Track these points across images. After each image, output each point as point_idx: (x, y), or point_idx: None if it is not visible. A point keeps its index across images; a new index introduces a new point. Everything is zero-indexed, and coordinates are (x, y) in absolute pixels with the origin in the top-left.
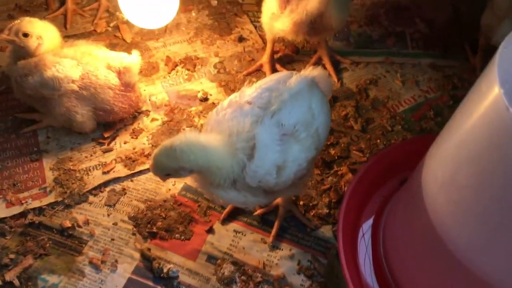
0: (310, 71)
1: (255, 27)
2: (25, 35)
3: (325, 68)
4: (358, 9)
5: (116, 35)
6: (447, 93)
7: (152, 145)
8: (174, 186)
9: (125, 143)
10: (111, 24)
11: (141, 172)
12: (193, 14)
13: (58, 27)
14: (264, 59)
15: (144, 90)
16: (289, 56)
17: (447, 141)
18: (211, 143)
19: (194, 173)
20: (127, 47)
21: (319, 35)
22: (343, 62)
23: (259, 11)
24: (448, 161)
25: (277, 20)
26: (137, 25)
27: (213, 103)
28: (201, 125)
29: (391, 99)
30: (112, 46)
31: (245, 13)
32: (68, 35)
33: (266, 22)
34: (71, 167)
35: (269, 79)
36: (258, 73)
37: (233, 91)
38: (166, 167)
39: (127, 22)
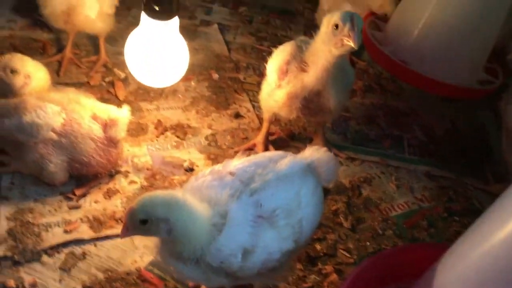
0: (311, 153)
1: (253, 106)
2: (13, 71)
3: None
4: (358, 107)
5: (110, 90)
6: (442, 204)
7: (125, 209)
8: (142, 259)
9: (95, 202)
10: (106, 79)
11: (107, 237)
12: (192, 83)
13: (50, 73)
14: (259, 138)
15: (128, 150)
16: (284, 140)
17: (469, 253)
18: (199, 210)
19: (166, 236)
20: (118, 104)
21: (315, 116)
22: (339, 156)
23: (259, 91)
24: (471, 275)
25: (273, 94)
26: (139, 80)
27: None
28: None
29: (384, 202)
30: (103, 101)
31: (245, 91)
32: (59, 82)
33: (263, 98)
34: (30, 220)
35: (262, 155)
36: (249, 152)
37: None
38: (151, 211)
39: (123, 80)
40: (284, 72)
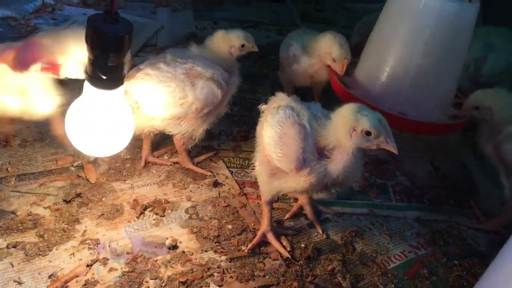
0: None
1: (231, 172)
2: None
3: (307, 218)
4: None
5: (80, 174)
6: (439, 249)
7: None
8: None
9: None
10: (75, 163)
11: None
12: (165, 157)
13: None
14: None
15: (104, 235)
16: None
17: None
18: None
19: None
20: (90, 187)
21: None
22: (326, 213)
23: (235, 156)
24: None
25: (287, 180)
26: (81, 151)
27: (183, 252)
28: (167, 277)
29: (379, 254)
30: (73, 186)
31: (221, 158)
32: (24, 173)
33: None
34: None
35: None
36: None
37: (205, 238)
38: None
39: (93, 162)
40: (302, 162)
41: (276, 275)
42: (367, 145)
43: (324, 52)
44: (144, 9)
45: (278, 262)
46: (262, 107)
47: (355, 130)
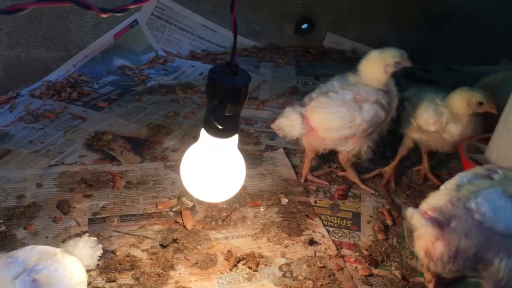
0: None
1: (328, 231)
2: None
3: None
4: None
5: (177, 220)
6: None
7: None
8: None
9: None
10: (174, 209)
11: None
12: (261, 209)
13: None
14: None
15: (196, 284)
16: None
17: None
18: None
19: None
20: (187, 234)
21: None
22: None
23: (332, 215)
24: None
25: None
26: (194, 195)
27: None
28: None
29: None
30: (171, 231)
31: (318, 216)
32: (127, 214)
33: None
34: None
35: None
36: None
37: None
38: None
39: (191, 209)
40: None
41: None
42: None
43: (465, 105)
44: (248, 63)
45: None
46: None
47: None
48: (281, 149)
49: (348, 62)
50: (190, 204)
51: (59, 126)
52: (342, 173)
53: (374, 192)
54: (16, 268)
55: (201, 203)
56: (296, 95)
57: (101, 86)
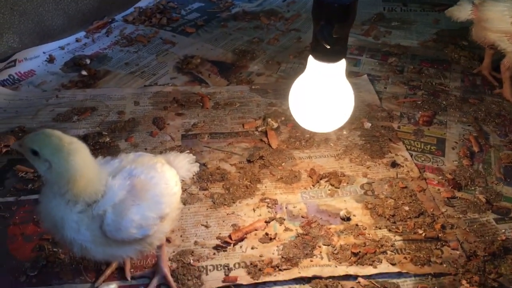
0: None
1: (411, 155)
2: None
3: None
4: None
5: (263, 139)
6: None
7: (282, 257)
8: None
9: (252, 248)
10: (260, 129)
11: (265, 284)
12: (344, 132)
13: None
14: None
15: (282, 197)
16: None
17: None
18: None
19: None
20: (272, 152)
21: None
22: None
23: (416, 140)
24: None
25: None
26: (303, 126)
27: (357, 225)
28: (340, 246)
29: None
30: (257, 149)
31: (401, 140)
32: (215, 132)
33: None
34: (192, 262)
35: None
36: None
37: (380, 215)
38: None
39: (275, 129)
40: None
41: (455, 265)
42: None
43: None
44: None
45: (457, 252)
46: None
47: None
48: (365, 75)
49: None
50: (275, 125)
51: (151, 50)
52: (498, 91)
53: None
54: (116, 166)
55: (285, 124)
56: (382, 21)
57: (188, 13)
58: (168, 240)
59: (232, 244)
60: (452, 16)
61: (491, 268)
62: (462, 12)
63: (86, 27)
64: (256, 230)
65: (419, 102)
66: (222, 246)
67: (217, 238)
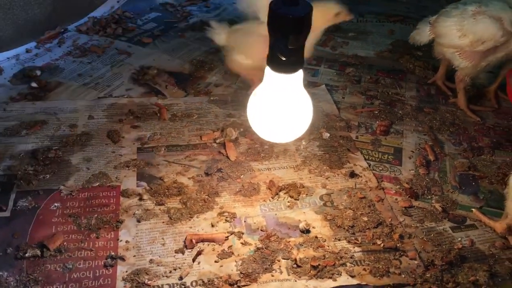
0: None
1: (369, 165)
2: None
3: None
4: (488, 165)
5: (221, 151)
6: None
7: (241, 272)
8: None
9: (210, 264)
10: (218, 140)
11: None
12: (303, 143)
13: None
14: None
15: (240, 210)
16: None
17: None
18: None
19: None
20: (230, 164)
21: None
22: (481, 219)
23: (374, 150)
24: None
25: None
26: (261, 136)
27: (316, 237)
28: (299, 259)
29: None
30: (215, 161)
31: (359, 150)
32: (173, 145)
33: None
34: (146, 281)
35: None
36: None
37: (339, 227)
38: None
39: (234, 141)
40: None
41: (413, 276)
42: None
43: None
44: None
45: (416, 262)
46: None
47: None
48: (323, 85)
49: None
50: (234, 136)
51: (106, 61)
52: (452, 100)
53: (479, 120)
54: None
55: (243, 135)
56: (339, 32)
57: (144, 23)
58: (122, 259)
59: (191, 260)
60: (415, 41)
61: (449, 277)
62: (422, 35)
63: (37, 37)
64: (213, 241)
65: (376, 112)
66: (178, 263)
67: (175, 251)
